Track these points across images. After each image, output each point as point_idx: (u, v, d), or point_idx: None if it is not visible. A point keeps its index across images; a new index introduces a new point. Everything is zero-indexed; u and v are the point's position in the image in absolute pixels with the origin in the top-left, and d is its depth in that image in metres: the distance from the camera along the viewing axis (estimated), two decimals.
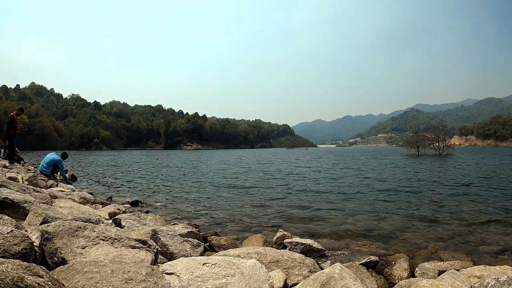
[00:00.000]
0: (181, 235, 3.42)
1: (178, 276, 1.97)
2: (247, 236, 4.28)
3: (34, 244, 1.89)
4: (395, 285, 2.61)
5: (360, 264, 3.16)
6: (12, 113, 9.93)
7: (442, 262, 3.19)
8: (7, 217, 2.33)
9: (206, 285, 1.90)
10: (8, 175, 6.72)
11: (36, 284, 1.32)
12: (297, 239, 3.72)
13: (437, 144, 39.08)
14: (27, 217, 2.70)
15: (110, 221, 4.23)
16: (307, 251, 3.49)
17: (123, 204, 6.59)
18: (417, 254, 3.76)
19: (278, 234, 4.08)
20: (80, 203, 5.42)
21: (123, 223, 3.97)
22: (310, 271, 2.74)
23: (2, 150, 16.29)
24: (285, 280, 2.45)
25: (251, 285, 1.96)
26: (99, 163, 24.86)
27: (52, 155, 9.05)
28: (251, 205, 6.88)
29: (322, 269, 2.79)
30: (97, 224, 3.34)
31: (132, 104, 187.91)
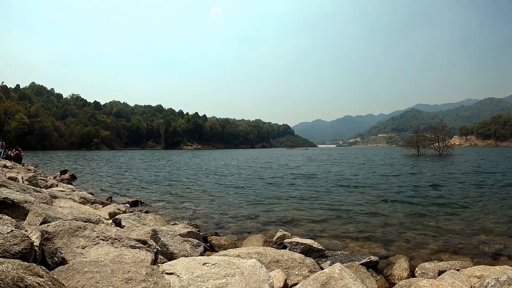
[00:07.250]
0: (181, 235, 3.42)
1: (178, 276, 1.97)
2: (247, 236, 4.28)
3: (34, 244, 1.89)
4: (395, 285, 2.61)
5: (360, 264, 3.16)
6: None
7: (442, 262, 3.18)
8: (7, 217, 2.33)
9: (206, 285, 1.90)
10: (8, 175, 6.72)
11: (36, 284, 1.33)
12: (297, 239, 3.72)
13: (437, 144, 39.01)
14: (27, 217, 2.70)
15: (110, 221, 4.23)
16: (307, 251, 3.48)
17: (123, 204, 6.59)
18: (417, 254, 3.76)
19: (278, 234, 4.08)
20: (80, 203, 5.43)
21: (123, 223, 3.98)
22: (310, 271, 2.74)
23: (2, 150, 16.30)
24: (285, 280, 2.45)
25: (251, 285, 1.96)
26: (99, 163, 24.85)
27: None
28: (252, 205, 6.88)
29: (322, 269, 2.79)
30: (97, 224, 3.34)
31: (132, 104, 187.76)
